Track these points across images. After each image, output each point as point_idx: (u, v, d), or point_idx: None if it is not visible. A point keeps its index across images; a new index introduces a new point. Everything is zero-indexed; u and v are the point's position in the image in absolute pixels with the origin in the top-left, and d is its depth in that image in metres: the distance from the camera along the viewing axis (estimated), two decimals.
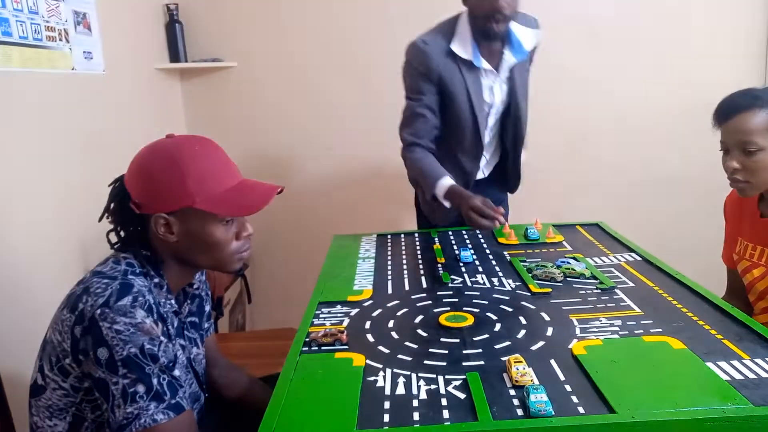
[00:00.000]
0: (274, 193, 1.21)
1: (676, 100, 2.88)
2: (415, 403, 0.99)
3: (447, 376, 1.08)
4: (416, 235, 2.12)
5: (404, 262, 1.82)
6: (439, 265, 1.76)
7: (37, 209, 1.84)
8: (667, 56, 2.88)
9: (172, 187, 1.11)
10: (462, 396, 1.00)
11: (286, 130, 3.05)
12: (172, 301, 1.20)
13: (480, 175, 2.18)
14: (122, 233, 1.19)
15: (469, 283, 1.59)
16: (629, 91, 2.92)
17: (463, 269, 1.71)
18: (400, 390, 1.04)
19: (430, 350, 1.19)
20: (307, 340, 1.25)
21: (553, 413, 0.92)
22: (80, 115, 2.09)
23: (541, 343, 1.20)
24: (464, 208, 1.81)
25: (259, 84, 3.00)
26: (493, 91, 1.96)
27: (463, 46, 1.88)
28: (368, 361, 1.15)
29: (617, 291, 1.46)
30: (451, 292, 1.53)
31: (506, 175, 2.22)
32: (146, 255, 1.17)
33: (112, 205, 1.18)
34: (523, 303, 1.42)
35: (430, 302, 1.46)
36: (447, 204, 1.91)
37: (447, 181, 1.90)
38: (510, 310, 1.38)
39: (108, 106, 2.30)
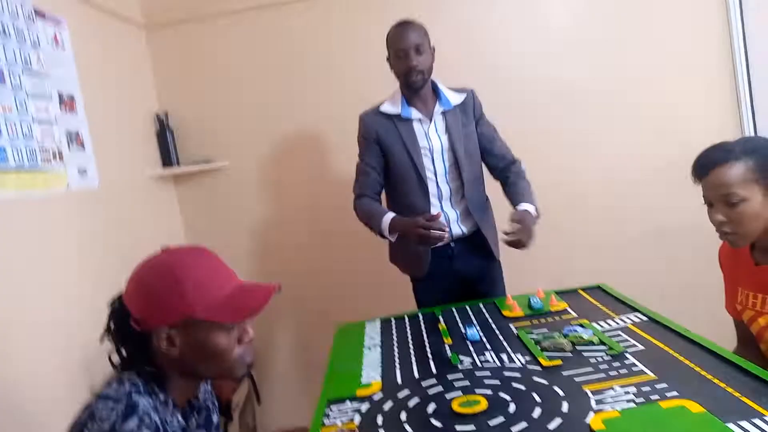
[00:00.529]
0: (272, 293, 1.20)
1: (660, 154, 2.93)
2: None
3: None
4: (420, 315, 2.11)
5: (411, 346, 1.80)
6: (447, 347, 1.74)
7: (38, 331, 1.84)
8: (645, 112, 2.95)
9: (171, 299, 1.11)
10: None
11: (282, 222, 3.08)
12: (179, 417, 1.18)
13: (458, 230, 2.25)
14: (124, 352, 1.18)
15: (478, 363, 1.57)
16: (615, 149, 2.97)
17: (471, 348, 1.69)
18: None
19: None
20: None
21: None
22: (76, 233, 2.13)
23: (558, 421, 1.17)
24: (411, 230, 2.03)
25: (251, 181, 3.05)
26: (429, 137, 2.21)
27: (392, 105, 2.23)
28: None
29: (627, 355, 1.45)
30: (461, 375, 1.50)
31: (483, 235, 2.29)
32: (150, 372, 1.15)
33: (112, 324, 1.18)
34: (535, 378, 1.40)
35: (441, 388, 1.44)
36: (393, 237, 2.17)
37: (389, 216, 2.16)
38: (523, 388, 1.36)
39: (104, 220, 2.33)
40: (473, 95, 2.30)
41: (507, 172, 2.32)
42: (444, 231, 2.01)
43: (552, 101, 2.94)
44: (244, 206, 3.08)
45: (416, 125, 2.21)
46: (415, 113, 2.21)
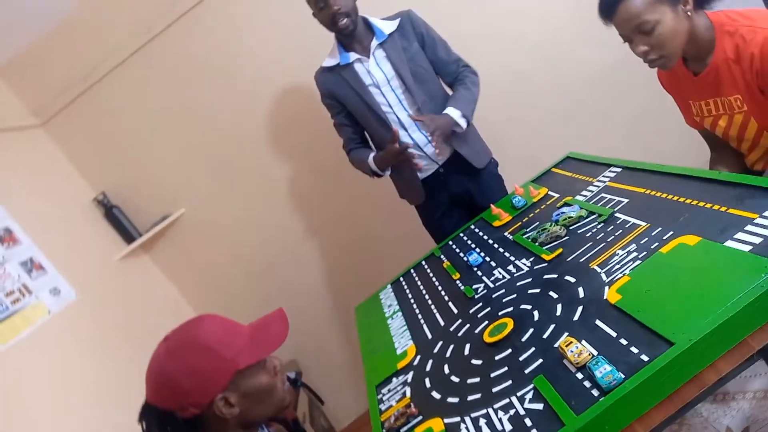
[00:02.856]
0: (284, 316, 1.24)
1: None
2: None
3: (518, 393, 1.09)
4: (423, 263, 2.14)
5: (426, 297, 1.83)
6: (458, 282, 1.77)
7: None
8: None
9: (215, 366, 1.12)
10: (540, 406, 1.02)
11: (260, 239, 3.07)
12: None
13: (430, 149, 2.26)
14: None
15: (491, 285, 1.60)
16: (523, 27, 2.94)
17: (479, 273, 1.73)
18: None
19: (492, 375, 1.20)
20: (384, 431, 1.26)
21: (624, 376, 0.93)
22: (76, 350, 2.13)
23: (579, 309, 1.21)
24: (391, 157, 2.19)
25: (213, 214, 3.03)
26: (371, 73, 2.23)
27: (332, 57, 2.27)
28: (445, 420, 1.16)
29: (617, 215, 1.48)
30: (480, 303, 1.54)
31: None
32: None
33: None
34: (546, 276, 1.43)
35: (468, 325, 1.48)
36: (388, 171, 2.33)
37: (371, 157, 2.30)
38: (538, 291, 1.40)
39: (100, 324, 2.33)
40: (409, 16, 2.28)
41: (454, 84, 2.34)
42: (407, 145, 2.13)
43: None
44: (218, 239, 3.06)
45: (357, 66, 2.24)
46: (353, 56, 2.23)
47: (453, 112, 2.17)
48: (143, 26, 2.78)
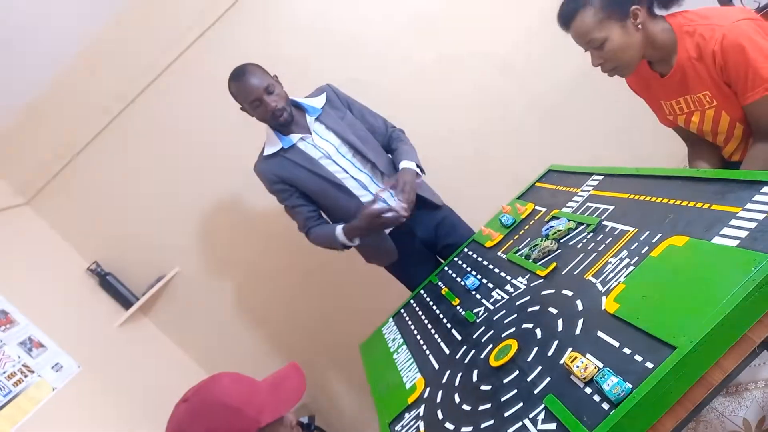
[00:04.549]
0: (299, 368, 1.26)
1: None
2: None
3: (530, 415, 1.09)
4: (422, 292, 2.14)
5: (429, 326, 1.83)
6: (458, 307, 1.77)
7: None
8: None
9: (237, 426, 1.12)
10: (553, 426, 1.02)
11: (258, 294, 3.07)
12: None
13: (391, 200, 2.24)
14: None
15: (491, 307, 1.61)
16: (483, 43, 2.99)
17: (478, 296, 1.73)
18: None
19: (502, 399, 1.20)
20: None
21: (631, 387, 0.93)
22: (84, 423, 2.10)
23: (580, 322, 1.21)
24: (367, 220, 2.08)
25: (208, 269, 3.03)
26: (317, 146, 2.21)
27: (271, 145, 2.22)
28: None
29: (605, 223, 1.49)
30: (483, 328, 1.54)
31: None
32: None
33: None
34: (543, 293, 1.44)
35: (473, 351, 1.48)
36: (356, 241, 2.22)
37: (339, 229, 2.19)
38: (537, 308, 1.40)
39: (108, 395, 2.31)
40: (331, 89, 2.32)
41: (389, 144, 2.37)
42: (390, 207, 2.06)
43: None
44: (216, 293, 3.06)
45: (302, 145, 2.21)
46: (294, 137, 2.20)
47: (409, 164, 2.20)
48: (118, 94, 2.80)
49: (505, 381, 1.25)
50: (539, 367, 1.19)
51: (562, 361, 1.13)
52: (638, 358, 0.98)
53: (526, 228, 1.88)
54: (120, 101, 2.81)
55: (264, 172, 2.24)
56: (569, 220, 1.63)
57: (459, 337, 1.61)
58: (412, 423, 1.41)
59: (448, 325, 1.73)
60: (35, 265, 2.61)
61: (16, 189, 2.85)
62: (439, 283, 2.06)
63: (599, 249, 1.40)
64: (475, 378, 1.37)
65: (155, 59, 2.79)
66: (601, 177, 1.77)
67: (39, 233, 2.85)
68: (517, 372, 1.24)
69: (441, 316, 1.83)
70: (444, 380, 1.47)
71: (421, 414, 1.41)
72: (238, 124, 2.82)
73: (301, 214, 2.27)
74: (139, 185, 2.93)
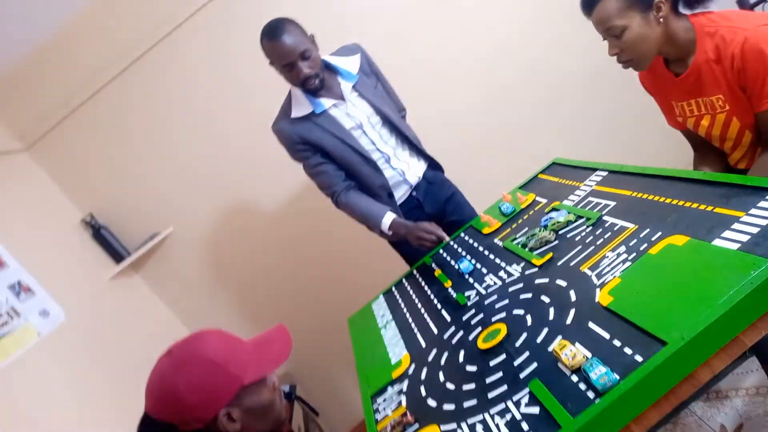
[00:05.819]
0: (286, 329, 1.26)
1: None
2: None
3: (514, 398, 1.09)
4: (415, 272, 2.14)
5: (419, 306, 1.83)
6: (450, 289, 1.77)
7: None
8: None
9: (221, 381, 1.12)
10: (536, 410, 1.02)
11: (251, 259, 3.07)
12: None
13: (414, 179, 2.27)
14: None
15: (483, 292, 1.60)
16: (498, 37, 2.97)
17: (471, 280, 1.73)
18: None
19: (487, 381, 1.21)
20: None
21: (618, 378, 0.93)
22: (70, 373, 2.10)
23: (572, 312, 1.21)
24: (413, 234, 2.07)
25: (202, 231, 3.02)
26: (351, 116, 2.12)
27: (300, 107, 2.09)
28: (442, 428, 1.16)
29: (605, 218, 1.49)
30: (473, 311, 1.54)
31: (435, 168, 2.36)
32: None
33: None
34: (537, 281, 1.44)
35: (462, 333, 1.48)
36: (391, 233, 2.14)
37: (388, 218, 2.12)
38: (530, 296, 1.40)
39: (91, 345, 2.31)
40: (363, 52, 2.21)
41: None
42: (444, 239, 2.05)
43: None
44: (209, 255, 3.05)
45: (333, 111, 2.10)
46: (326, 102, 2.09)
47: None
48: (127, 47, 2.77)
49: (491, 363, 1.25)
50: (527, 353, 1.19)
51: (550, 349, 1.13)
52: (628, 350, 0.99)
53: (525, 218, 1.88)
54: (127, 56, 2.78)
55: (286, 131, 2.11)
56: (569, 213, 1.63)
57: (448, 318, 1.61)
58: (394, 397, 1.42)
59: (439, 306, 1.73)
60: (30, 211, 2.60)
61: (15, 134, 2.83)
62: (433, 264, 2.06)
63: (597, 243, 1.40)
64: (461, 359, 1.37)
65: (166, 16, 2.75)
66: (605, 173, 1.77)
67: (36, 181, 2.83)
68: (504, 356, 1.25)
69: (432, 296, 1.83)
70: (430, 358, 1.47)
71: (404, 389, 1.42)
72: (246, 83, 2.82)
73: (327, 174, 2.16)
74: (141, 142, 2.91)
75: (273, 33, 1.93)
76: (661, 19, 1.48)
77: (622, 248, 1.29)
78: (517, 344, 1.25)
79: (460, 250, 2.02)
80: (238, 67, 2.82)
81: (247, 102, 2.85)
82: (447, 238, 2.04)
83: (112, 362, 2.33)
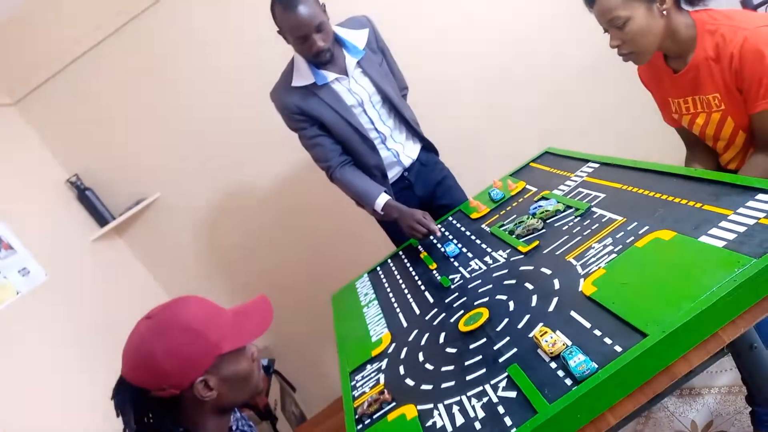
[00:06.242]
0: (267, 301, 1.24)
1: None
2: (478, 425, 1.01)
3: (492, 382, 1.10)
4: (401, 253, 2.14)
5: (403, 286, 1.83)
6: (434, 272, 1.78)
7: None
8: None
9: (199, 348, 1.10)
10: (513, 394, 1.02)
11: (235, 224, 3.05)
12: None
13: (408, 160, 2.25)
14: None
15: (467, 275, 1.61)
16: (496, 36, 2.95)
17: (456, 264, 1.73)
18: (459, 420, 1.06)
19: (466, 363, 1.21)
20: (357, 417, 1.26)
21: (597, 366, 0.94)
22: (49, 332, 2.09)
23: (554, 300, 1.22)
24: (406, 221, 2.02)
25: (189, 198, 2.99)
26: (353, 92, 2.08)
27: (302, 77, 2.04)
28: (419, 407, 1.17)
29: (594, 209, 1.49)
30: (456, 294, 1.54)
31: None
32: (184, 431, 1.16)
33: (131, 412, 1.14)
34: (522, 268, 1.44)
35: (444, 315, 1.48)
36: (382, 214, 2.10)
37: (382, 199, 2.09)
38: (514, 282, 1.40)
39: (70, 305, 2.29)
40: (372, 26, 2.15)
41: None
42: (436, 233, 2.00)
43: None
44: (195, 224, 3.03)
45: (336, 85, 2.06)
46: (329, 75, 2.04)
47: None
48: (121, 7, 2.72)
49: (471, 346, 1.26)
50: (507, 338, 1.20)
51: (531, 335, 1.14)
52: (608, 340, 0.99)
53: (514, 205, 1.88)
54: (124, 14, 2.73)
55: (284, 101, 2.06)
56: (558, 202, 1.63)
57: (431, 300, 1.61)
58: (373, 375, 1.42)
59: (422, 288, 1.73)
60: (14, 167, 2.56)
61: (3, 88, 2.77)
62: (419, 246, 2.06)
63: (584, 233, 1.40)
64: (441, 340, 1.37)
65: None
66: (596, 165, 1.77)
67: (22, 136, 2.78)
68: (484, 339, 1.25)
69: (416, 278, 1.83)
70: (410, 338, 1.48)
71: (383, 368, 1.42)
72: (242, 50, 2.77)
73: (324, 148, 2.12)
74: (131, 104, 2.86)
75: (289, 2, 1.86)
76: (664, 12, 1.47)
77: (609, 240, 1.30)
78: (498, 329, 1.25)
79: (447, 233, 2.01)
80: (235, 31, 2.78)
81: (242, 71, 2.81)
82: (438, 234, 1.99)
83: (89, 323, 2.32)
